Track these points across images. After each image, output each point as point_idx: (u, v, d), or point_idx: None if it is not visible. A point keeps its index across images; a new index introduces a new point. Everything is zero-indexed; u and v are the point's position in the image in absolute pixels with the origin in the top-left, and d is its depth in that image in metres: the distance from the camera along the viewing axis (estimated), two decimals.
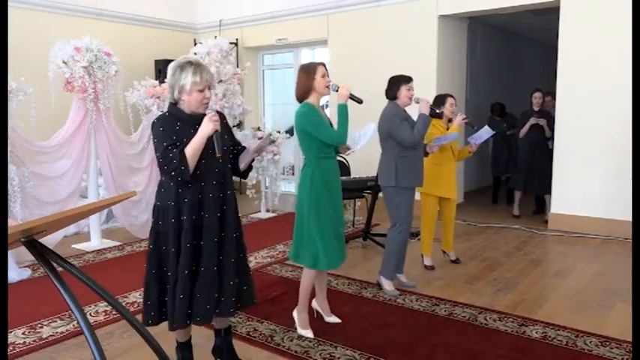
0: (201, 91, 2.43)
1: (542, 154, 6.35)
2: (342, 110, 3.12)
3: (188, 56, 2.59)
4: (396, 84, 3.87)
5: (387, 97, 3.92)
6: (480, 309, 3.64)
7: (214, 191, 2.48)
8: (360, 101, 3.17)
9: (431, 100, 4.61)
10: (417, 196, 4.17)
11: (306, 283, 3.27)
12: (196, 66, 2.44)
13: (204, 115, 2.43)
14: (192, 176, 2.40)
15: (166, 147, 2.36)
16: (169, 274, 2.46)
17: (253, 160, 2.76)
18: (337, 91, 3.14)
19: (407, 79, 3.85)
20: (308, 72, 3.11)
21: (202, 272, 2.46)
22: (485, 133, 4.53)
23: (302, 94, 3.14)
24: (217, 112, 2.47)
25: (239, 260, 2.60)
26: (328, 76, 3.13)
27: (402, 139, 3.76)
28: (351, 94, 3.13)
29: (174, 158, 2.34)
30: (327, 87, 3.11)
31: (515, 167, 7.56)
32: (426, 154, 4.16)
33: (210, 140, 2.39)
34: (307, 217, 3.12)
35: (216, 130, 2.39)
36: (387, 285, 3.96)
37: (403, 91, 3.83)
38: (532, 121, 6.33)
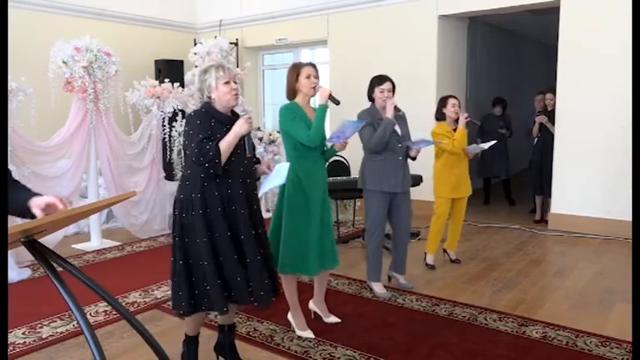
0: (228, 82, 2.55)
1: (552, 153, 6.11)
2: (320, 110, 3.08)
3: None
4: (370, 86, 3.84)
5: (368, 99, 3.90)
6: (480, 309, 3.64)
7: (242, 189, 2.58)
8: (337, 102, 3.12)
9: (434, 103, 4.62)
10: (415, 196, 4.15)
11: (288, 287, 3.24)
12: (218, 65, 2.61)
13: (237, 116, 2.60)
14: (222, 171, 2.50)
15: (202, 139, 2.46)
16: (204, 263, 2.49)
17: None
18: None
19: (380, 80, 3.79)
20: (293, 72, 3.11)
21: (250, 262, 2.55)
22: (477, 147, 4.56)
23: (288, 93, 3.17)
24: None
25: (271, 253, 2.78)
26: (317, 78, 3.11)
27: (363, 143, 3.78)
28: (330, 95, 3.10)
29: (211, 150, 2.44)
30: (313, 88, 3.10)
31: (505, 170, 7.46)
32: (413, 158, 4.01)
33: (239, 140, 2.52)
34: (280, 218, 3.12)
35: (249, 132, 2.56)
36: (377, 287, 3.95)
37: (377, 93, 3.79)
38: (538, 120, 6.28)
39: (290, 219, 3.10)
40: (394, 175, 3.80)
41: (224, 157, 2.47)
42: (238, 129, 2.50)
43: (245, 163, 2.62)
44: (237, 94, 2.59)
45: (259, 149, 6.38)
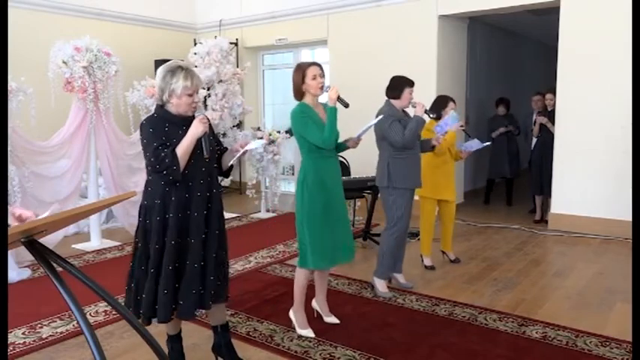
0: (191, 95, 2.50)
1: (551, 153, 6.07)
2: (331, 113, 3.09)
3: (177, 61, 2.63)
4: (400, 86, 3.86)
5: (387, 96, 3.91)
6: (480, 309, 3.64)
7: (202, 190, 2.54)
8: (346, 105, 3.13)
9: (432, 100, 4.62)
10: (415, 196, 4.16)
11: (299, 282, 3.27)
12: (187, 71, 2.51)
13: (192, 116, 2.52)
14: (181, 176, 2.46)
15: (157, 147, 2.43)
16: (151, 270, 2.48)
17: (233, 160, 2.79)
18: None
19: (411, 83, 3.87)
20: (299, 73, 3.11)
21: (189, 269, 2.50)
22: (476, 144, 4.54)
23: (296, 94, 3.17)
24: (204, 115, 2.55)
25: (220, 256, 2.63)
26: (323, 77, 3.12)
27: (393, 140, 3.76)
28: (339, 97, 3.11)
29: (167, 158, 2.40)
30: (321, 88, 3.11)
31: (514, 169, 7.47)
32: (433, 147, 4.10)
33: (198, 141, 2.47)
34: (300, 216, 3.14)
35: (206, 132, 2.47)
36: (380, 286, 3.95)
37: (406, 94, 3.83)
38: (539, 120, 6.27)
39: (314, 218, 3.11)
40: (417, 171, 3.94)
41: (182, 162, 2.42)
42: (194, 131, 2.44)
43: (207, 163, 2.57)
44: (195, 107, 2.55)
45: (259, 150, 6.37)
